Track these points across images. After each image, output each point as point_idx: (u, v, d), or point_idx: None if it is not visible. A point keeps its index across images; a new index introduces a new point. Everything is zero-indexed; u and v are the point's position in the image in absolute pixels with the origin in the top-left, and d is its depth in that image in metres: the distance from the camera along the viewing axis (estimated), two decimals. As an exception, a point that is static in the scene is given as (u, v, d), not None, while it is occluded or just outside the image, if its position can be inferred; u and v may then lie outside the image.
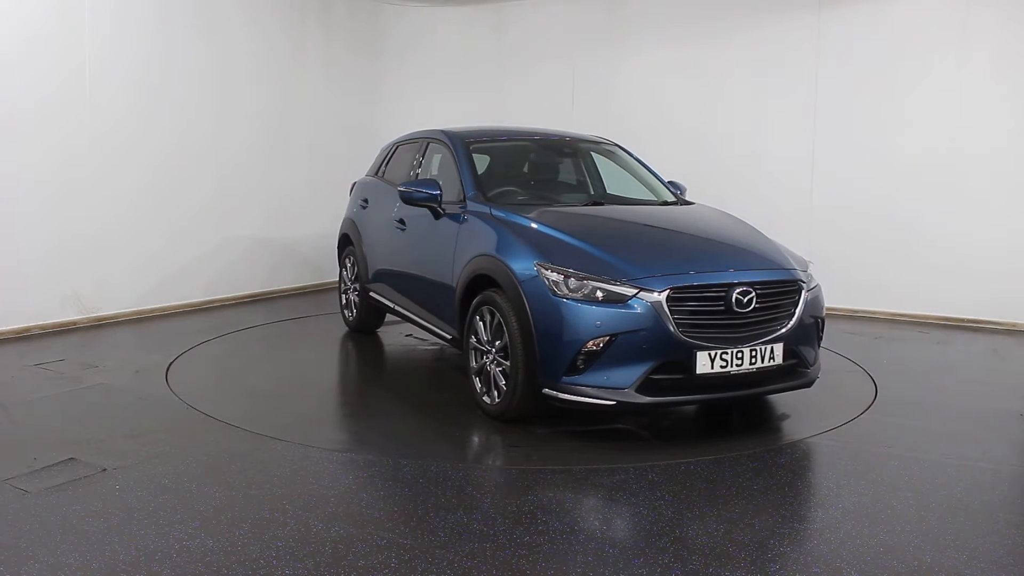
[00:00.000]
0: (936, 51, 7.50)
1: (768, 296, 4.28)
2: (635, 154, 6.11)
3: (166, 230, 7.46)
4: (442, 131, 5.85)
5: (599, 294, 4.07)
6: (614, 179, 6.06)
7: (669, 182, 5.83)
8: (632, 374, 4.02)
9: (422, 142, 6.12)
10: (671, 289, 4.06)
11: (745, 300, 4.15)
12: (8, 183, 6.28)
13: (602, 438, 4.40)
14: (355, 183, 7.19)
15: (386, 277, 6.16)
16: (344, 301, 7.02)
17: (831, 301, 8.01)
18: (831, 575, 2.88)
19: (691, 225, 4.98)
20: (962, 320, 7.51)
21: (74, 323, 6.77)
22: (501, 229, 4.65)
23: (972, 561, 2.99)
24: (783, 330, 4.29)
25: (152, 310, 7.36)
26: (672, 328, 4.02)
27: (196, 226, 7.74)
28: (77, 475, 3.68)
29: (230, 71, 8.00)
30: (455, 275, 4.89)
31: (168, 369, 5.53)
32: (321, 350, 6.46)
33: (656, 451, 4.19)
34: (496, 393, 4.44)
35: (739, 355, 4.13)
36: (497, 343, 4.41)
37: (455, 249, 4.96)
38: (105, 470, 3.74)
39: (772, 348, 4.22)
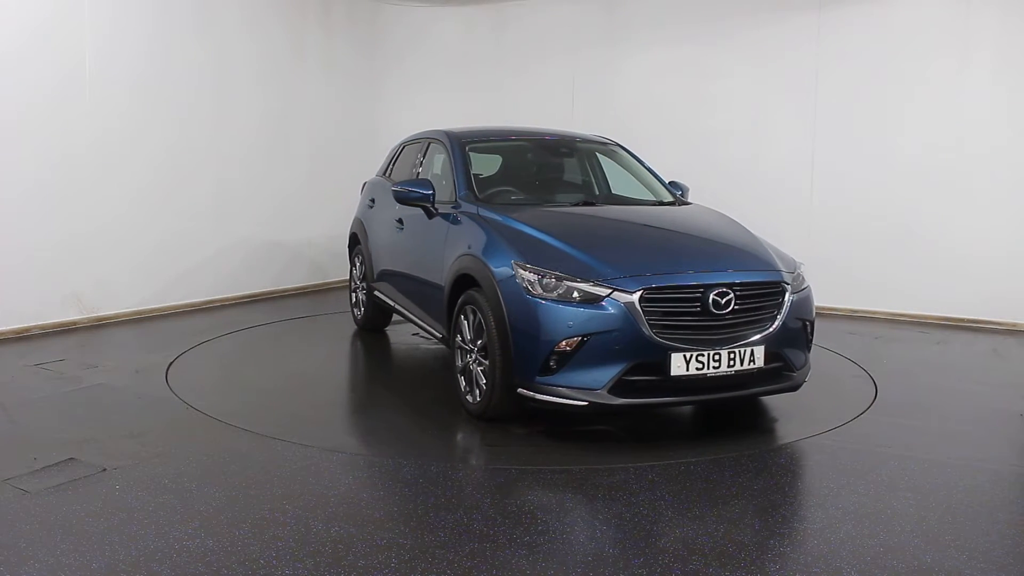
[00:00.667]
0: (936, 51, 7.50)
1: (749, 298, 4.22)
2: (636, 154, 6.11)
3: (166, 230, 7.46)
4: (443, 131, 5.88)
5: (573, 294, 4.06)
6: (614, 179, 6.06)
7: (670, 182, 5.83)
8: (605, 375, 3.99)
9: (424, 142, 6.16)
10: (644, 290, 4.03)
11: (723, 301, 4.10)
12: (8, 183, 6.28)
13: (602, 438, 4.40)
14: (365, 183, 7.25)
15: (388, 276, 6.21)
16: (353, 300, 7.10)
17: (831, 301, 8.09)
18: (831, 575, 2.88)
19: (679, 226, 4.95)
20: (962, 320, 7.51)
21: (74, 323, 6.77)
22: (486, 229, 4.66)
23: (972, 561, 2.99)
24: (765, 332, 4.22)
25: (152, 310, 7.36)
26: (645, 329, 3.99)
27: (196, 226, 7.74)
28: (77, 475, 3.68)
29: (230, 71, 8.00)
30: (444, 274, 4.92)
31: (168, 369, 5.53)
32: (322, 350, 6.45)
33: (656, 451, 4.18)
34: (478, 392, 4.46)
35: (716, 357, 4.06)
36: (479, 342, 4.43)
37: (444, 248, 4.99)
38: (105, 470, 3.74)
39: (753, 351, 4.15)
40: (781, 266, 4.50)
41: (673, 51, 8.65)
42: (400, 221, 5.89)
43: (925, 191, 7.60)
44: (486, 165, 5.77)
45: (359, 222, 6.94)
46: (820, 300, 7.99)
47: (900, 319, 7.71)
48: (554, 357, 4.02)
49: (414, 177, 5.93)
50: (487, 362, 4.32)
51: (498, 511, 3.38)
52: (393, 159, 6.82)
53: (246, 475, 3.72)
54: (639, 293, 4.02)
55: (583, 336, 3.99)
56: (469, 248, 4.67)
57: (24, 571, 2.83)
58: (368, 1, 9.69)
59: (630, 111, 8.69)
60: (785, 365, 4.37)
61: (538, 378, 4.08)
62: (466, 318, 4.56)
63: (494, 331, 4.24)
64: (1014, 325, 7.31)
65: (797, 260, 4.76)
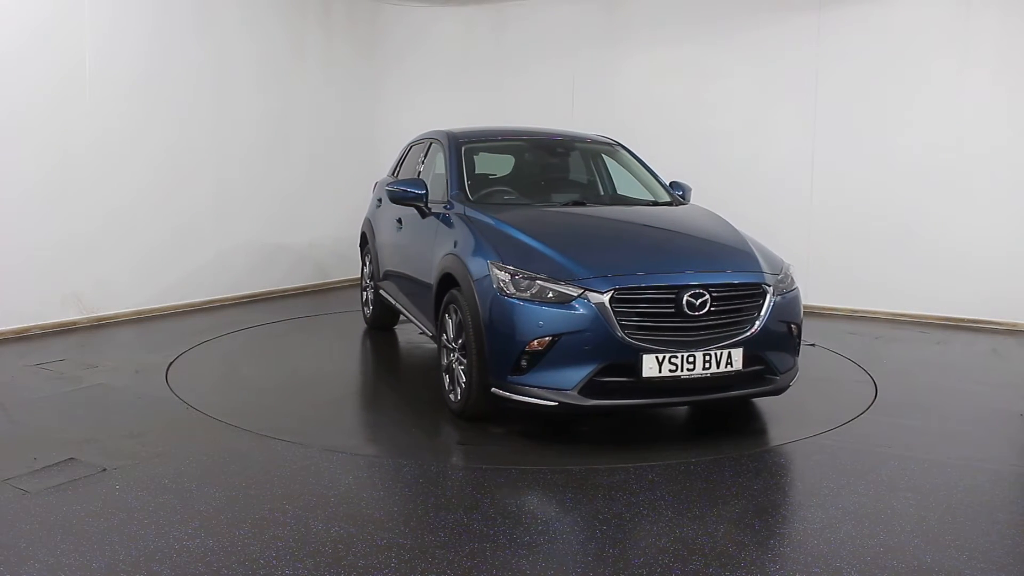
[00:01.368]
0: (936, 51, 7.50)
1: (727, 299, 4.16)
2: (636, 154, 6.11)
3: (166, 230, 7.46)
4: (444, 131, 5.90)
5: (546, 294, 4.05)
6: (614, 178, 6.06)
7: (672, 182, 5.81)
8: (575, 376, 3.97)
9: (428, 142, 6.20)
10: (615, 290, 4.00)
11: (698, 303, 4.04)
12: (9, 183, 6.28)
13: (602, 438, 4.40)
14: (376, 182, 7.29)
15: (391, 275, 6.27)
16: (363, 299, 7.17)
17: (831, 301, 8.10)
18: (831, 575, 2.88)
19: (664, 226, 4.92)
20: (962, 320, 7.51)
21: (74, 323, 6.77)
22: (470, 229, 4.68)
23: (972, 561, 2.99)
24: (745, 335, 4.16)
25: (152, 310, 7.36)
26: (616, 330, 3.95)
27: (196, 225, 7.75)
28: (77, 475, 3.68)
29: (230, 70, 8.00)
30: (432, 273, 4.95)
31: (168, 369, 5.53)
32: (322, 350, 6.45)
33: (656, 451, 4.18)
34: (459, 391, 4.48)
35: (691, 359, 4.01)
36: (459, 341, 4.45)
37: (433, 248, 5.02)
38: (105, 470, 3.74)
39: (730, 353, 4.09)
40: (766, 268, 4.41)
41: (673, 51, 8.65)
42: (400, 221, 5.96)
43: (925, 191, 7.60)
44: (484, 165, 5.79)
45: (368, 222, 7.05)
46: (820, 300, 8.09)
47: (900, 319, 7.71)
48: (525, 356, 4.01)
49: (415, 177, 5.96)
50: (467, 361, 4.35)
51: (498, 511, 3.38)
52: (401, 159, 6.88)
53: (246, 475, 3.72)
54: (610, 293, 3.99)
55: (553, 336, 3.97)
56: (453, 248, 4.70)
57: (24, 571, 2.83)
58: (368, 1, 9.69)
59: (630, 111, 8.69)
60: (768, 368, 4.29)
61: (510, 377, 4.08)
62: (450, 317, 4.59)
63: (471, 330, 4.26)
64: (1014, 325, 7.31)
65: (786, 261, 4.68)
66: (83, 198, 6.76)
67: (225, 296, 8.06)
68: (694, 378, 4.05)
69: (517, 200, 5.31)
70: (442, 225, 5.02)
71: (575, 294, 4.01)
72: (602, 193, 5.79)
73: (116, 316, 7.07)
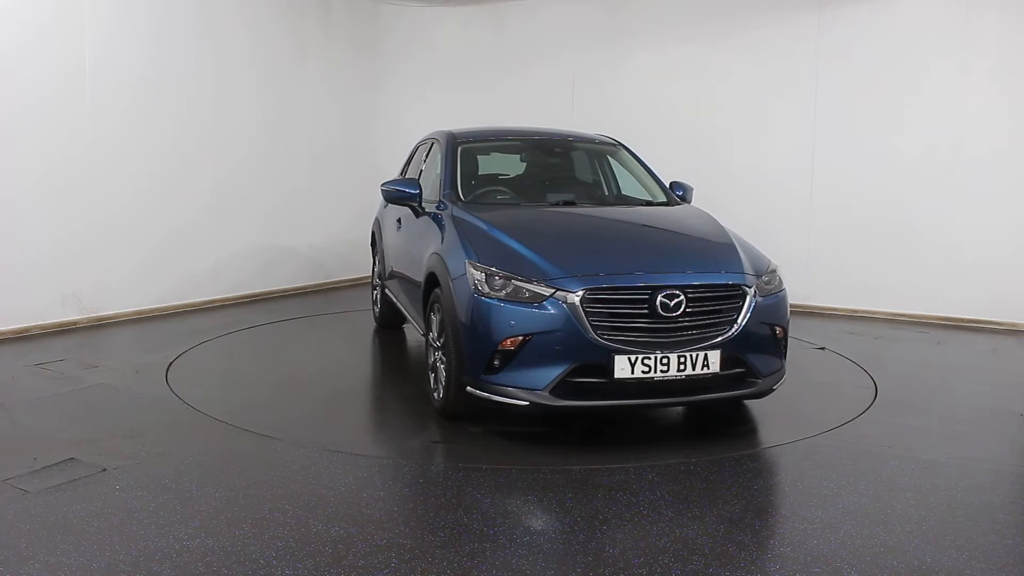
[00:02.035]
0: (936, 51, 7.51)
1: (703, 300, 4.11)
2: (636, 154, 6.11)
3: (166, 230, 7.47)
4: (446, 131, 5.92)
5: (520, 294, 4.04)
6: (613, 178, 6.06)
7: (673, 182, 5.80)
8: (547, 375, 3.96)
9: (431, 142, 6.22)
10: (586, 290, 3.98)
11: (672, 304, 4.00)
12: (8, 183, 6.28)
13: (602, 439, 4.40)
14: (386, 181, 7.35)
15: (393, 274, 6.31)
16: (373, 297, 7.26)
17: (831, 301, 8.10)
18: (831, 575, 2.88)
19: (650, 227, 4.90)
20: (962, 320, 7.51)
21: (74, 323, 6.77)
22: (455, 228, 4.69)
23: (972, 561, 2.99)
24: (723, 337, 4.10)
25: (152, 310, 7.36)
26: (587, 330, 3.94)
27: (196, 226, 7.75)
28: (77, 475, 3.67)
29: (229, 71, 8.00)
30: (421, 272, 4.98)
31: (168, 369, 5.53)
32: (322, 350, 6.46)
33: (656, 451, 4.18)
34: (441, 389, 4.49)
35: (664, 361, 3.97)
36: (442, 339, 4.46)
37: (423, 247, 5.05)
38: (105, 470, 3.74)
39: (707, 355, 4.04)
40: (749, 269, 4.35)
41: (673, 51, 8.65)
42: (399, 221, 5.99)
43: (925, 191, 7.61)
44: (482, 165, 5.81)
45: (376, 221, 7.13)
46: (820, 300, 8.09)
47: (900, 319, 7.71)
48: (498, 356, 4.01)
49: (413, 177, 5.99)
50: (446, 359, 4.37)
51: (498, 511, 3.38)
52: (409, 158, 6.91)
53: (246, 475, 3.72)
54: (581, 293, 3.97)
55: (525, 335, 3.97)
56: (438, 247, 4.72)
57: (24, 571, 2.83)
58: (368, 1, 9.69)
59: (630, 111, 8.70)
60: (749, 371, 4.23)
61: (483, 376, 4.08)
62: (434, 316, 4.62)
63: (449, 329, 4.28)
64: (1014, 325, 7.31)
65: (774, 263, 4.61)
66: (83, 198, 6.76)
67: (225, 296, 8.06)
68: (668, 380, 4.00)
69: (510, 200, 5.32)
70: (433, 225, 5.04)
71: (547, 294, 4.00)
72: (597, 193, 5.77)
73: (116, 316, 7.07)
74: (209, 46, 7.76)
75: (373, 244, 7.26)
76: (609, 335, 3.97)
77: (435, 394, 4.61)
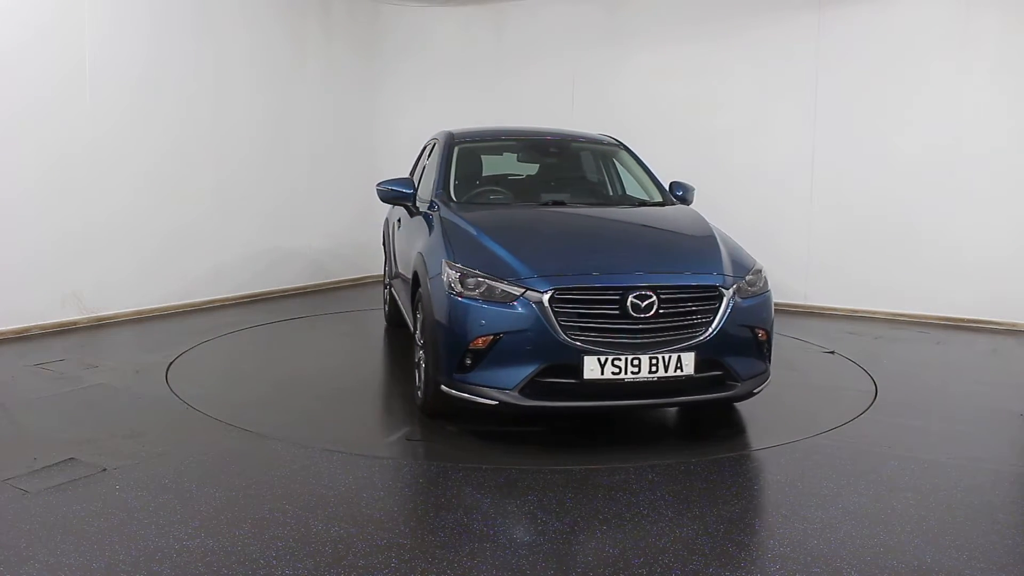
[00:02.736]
0: (936, 51, 7.51)
1: (677, 301, 4.05)
2: (636, 153, 6.10)
3: (166, 230, 7.47)
4: (447, 131, 5.93)
5: (491, 293, 4.04)
6: (611, 178, 6.05)
7: (673, 183, 5.78)
8: (517, 375, 3.95)
9: (433, 142, 6.23)
10: (555, 290, 3.95)
11: (643, 304, 3.95)
12: (9, 183, 6.28)
13: (601, 439, 4.40)
14: None
15: (395, 273, 6.36)
16: (384, 296, 7.33)
17: (831, 301, 8.10)
18: (831, 575, 2.88)
19: (633, 227, 4.88)
20: (962, 320, 7.51)
21: (74, 323, 6.77)
22: (440, 228, 4.70)
23: (972, 561, 2.99)
24: (698, 339, 4.03)
25: (152, 310, 7.36)
26: (556, 330, 3.91)
27: (196, 225, 7.75)
28: (77, 475, 3.67)
29: (229, 70, 8.00)
30: (409, 271, 5.01)
31: (168, 369, 5.53)
32: (322, 350, 6.46)
33: (656, 451, 4.18)
34: (423, 387, 4.52)
35: (635, 362, 3.92)
36: (423, 339, 4.49)
37: (413, 246, 5.08)
38: (105, 470, 3.74)
39: (680, 357, 3.98)
40: (728, 270, 4.26)
41: (673, 51, 8.65)
42: (399, 221, 6.01)
43: (925, 191, 7.61)
44: (479, 164, 5.83)
45: (386, 221, 7.16)
46: (820, 300, 8.09)
47: (900, 319, 7.71)
48: (469, 355, 4.00)
49: (408, 176, 6.04)
50: (425, 358, 4.40)
51: (498, 511, 3.38)
52: (418, 158, 6.93)
53: (246, 475, 3.72)
54: (549, 293, 3.95)
55: (495, 335, 3.96)
56: (422, 246, 4.75)
57: (24, 571, 2.83)
58: (368, 1, 9.69)
59: (630, 111, 8.70)
60: (727, 374, 4.16)
61: (455, 375, 4.08)
62: (419, 315, 4.64)
63: (427, 327, 4.30)
64: (1014, 325, 7.31)
65: (759, 264, 4.52)
66: (83, 198, 6.76)
67: (225, 296, 8.06)
68: (640, 382, 3.95)
69: (502, 200, 5.33)
70: (423, 224, 5.06)
71: (518, 293, 3.99)
72: (592, 194, 5.74)
73: (116, 316, 7.07)
74: (209, 46, 7.76)
75: (384, 243, 7.30)
76: (579, 335, 3.94)
77: (418, 392, 4.64)
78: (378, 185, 5.53)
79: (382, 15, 9.86)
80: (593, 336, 3.95)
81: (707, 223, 4.91)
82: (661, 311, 3.99)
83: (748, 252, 4.62)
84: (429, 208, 5.12)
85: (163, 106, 7.36)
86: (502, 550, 3.03)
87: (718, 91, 8.43)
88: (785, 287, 8.23)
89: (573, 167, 5.99)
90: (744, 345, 4.22)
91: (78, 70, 6.67)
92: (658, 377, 3.97)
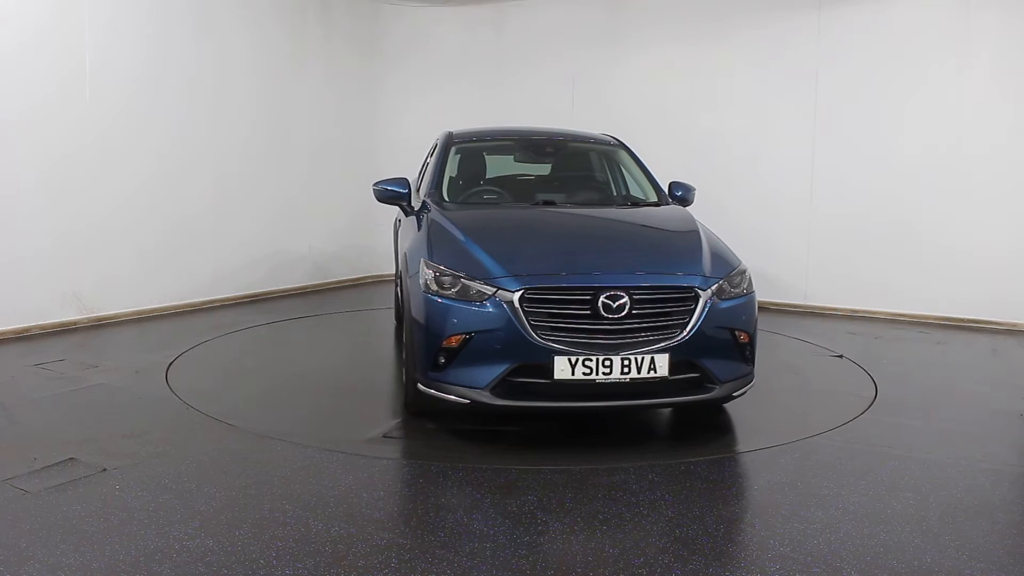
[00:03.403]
0: (936, 51, 7.51)
1: (650, 302, 4.01)
2: (635, 153, 6.10)
3: (166, 230, 7.47)
4: (448, 131, 5.94)
5: (464, 292, 4.05)
6: (609, 178, 6.05)
7: (673, 183, 5.77)
8: (488, 374, 3.95)
9: (436, 142, 6.23)
10: (525, 289, 3.94)
11: (615, 305, 3.92)
12: (8, 182, 6.28)
13: (601, 439, 4.40)
14: None
15: (397, 272, 6.33)
16: (395, 294, 7.34)
17: (831, 301, 8.10)
18: (831, 575, 2.88)
19: (614, 227, 4.88)
20: (962, 320, 7.51)
21: (74, 323, 6.77)
22: (425, 228, 4.73)
23: (972, 561, 2.99)
24: (672, 340, 3.98)
25: (152, 310, 7.36)
26: (527, 329, 3.91)
27: (196, 225, 7.75)
28: (77, 475, 3.67)
29: (229, 70, 8.00)
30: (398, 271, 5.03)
31: (168, 369, 5.53)
32: (322, 350, 6.45)
33: (656, 451, 4.19)
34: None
35: (607, 363, 3.88)
36: (404, 338, 4.54)
37: (403, 246, 5.13)
38: (105, 470, 3.74)
39: (654, 359, 3.93)
40: (706, 271, 4.20)
41: (673, 51, 8.65)
42: (399, 220, 6.02)
43: (925, 191, 7.61)
44: (477, 164, 5.85)
45: (396, 220, 7.16)
46: (820, 300, 8.09)
47: (900, 319, 7.71)
48: (442, 353, 4.02)
49: (402, 176, 6.05)
50: (405, 356, 4.45)
51: (498, 511, 3.38)
52: (426, 158, 6.92)
53: (246, 475, 3.72)
54: (519, 293, 3.95)
55: (467, 334, 3.97)
56: (408, 246, 4.78)
57: (24, 571, 2.83)
58: (368, 1, 9.69)
59: (630, 111, 8.70)
60: (705, 376, 4.10)
61: (430, 373, 4.10)
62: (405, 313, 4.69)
63: (407, 326, 4.34)
64: (1014, 325, 7.31)
65: (743, 265, 4.44)
66: (83, 198, 6.76)
67: (225, 296, 8.06)
68: (611, 383, 3.92)
69: (493, 200, 5.34)
70: (415, 223, 5.08)
71: (489, 293, 4.00)
72: (585, 194, 5.69)
73: (116, 316, 7.07)
74: (208, 46, 7.76)
75: (394, 242, 7.34)
76: (550, 335, 3.92)
77: (404, 390, 4.69)
78: (374, 185, 5.54)
79: (382, 15, 9.86)
80: (564, 336, 3.93)
81: (694, 223, 4.86)
82: (634, 312, 3.96)
83: (734, 253, 4.55)
84: (421, 208, 5.14)
85: (163, 106, 7.36)
86: (502, 550, 3.03)
87: (718, 91, 8.43)
88: (785, 287, 8.24)
89: (571, 167, 5.99)
90: (723, 347, 4.15)
91: (78, 70, 6.67)
92: (630, 378, 3.93)
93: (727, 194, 8.17)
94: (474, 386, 3.98)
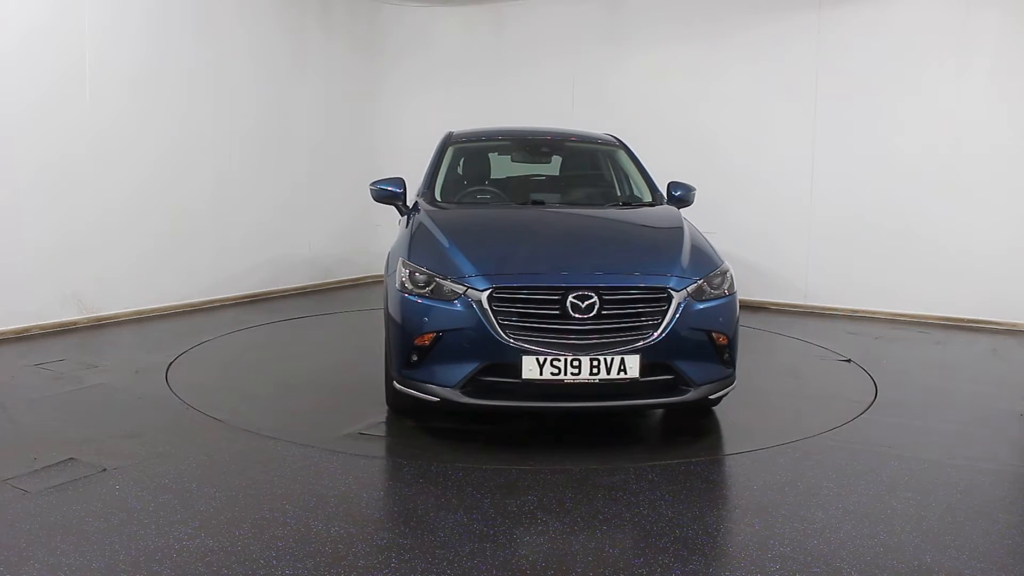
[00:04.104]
0: (936, 52, 7.51)
1: (621, 303, 3.96)
2: (634, 153, 6.10)
3: (165, 230, 7.47)
4: (450, 131, 5.95)
5: (437, 291, 4.07)
6: (607, 178, 6.04)
7: (672, 183, 5.75)
8: (458, 373, 3.96)
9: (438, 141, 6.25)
10: (493, 288, 3.94)
11: (584, 305, 3.90)
12: (8, 182, 6.28)
13: (602, 439, 4.40)
14: None
15: None
16: None
17: (831, 301, 8.10)
18: (831, 575, 2.88)
19: (595, 227, 4.86)
20: (962, 320, 7.51)
21: (74, 323, 6.77)
22: (410, 227, 4.76)
23: (972, 561, 2.99)
24: (644, 342, 3.92)
25: (152, 310, 7.36)
26: (495, 329, 3.90)
27: (195, 225, 7.75)
28: (77, 475, 3.67)
29: (229, 70, 8.00)
30: None
31: (168, 369, 5.53)
32: (322, 349, 6.45)
33: (656, 451, 4.19)
34: None
35: (575, 363, 3.85)
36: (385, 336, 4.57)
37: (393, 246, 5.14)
38: (105, 470, 3.74)
39: (624, 360, 3.88)
40: (682, 272, 4.13)
41: (673, 51, 8.65)
42: (399, 221, 6.01)
43: (925, 191, 7.61)
44: (475, 164, 5.86)
45: (399, 221, 7.15)
46: (820, 300, 8.09)
47: (900, 319, 7.71)
48: (415, 352, 4.05)
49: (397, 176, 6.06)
50: (385, 355, 4.48)
51: (498, 511, 3.38)
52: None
53: (246, 475, 3.72)
54: (488, 292, 3.95)
55: (437, 332, 3.99)
56: (394, 246, 4.80)
57: (24, 571, 2.83)
58: (368, 1, 9.69)
59: (630, 111, 8.70)
60: (679, 379, 4.03)
61: (404, 371, 4.13)
62: None
63: (386, 325, 4.38)
64: (1014, 325, 7.31)
65: (724, 266, 4.36)
66: (83, 198, 6.77)
67: (225, 296, 8.06)
68: (580, 383, 3.88)
69: (483, 200, 5.35)
70: (405, 223, 5.10)
71: (460, 292, 4.01)
72: (579, 194, 5.65)
73: (116, 316, 7.07)
74: (208, 45, 7.76)
75: None
76: (519, 335, 3.91)
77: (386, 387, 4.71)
78: (371, 185, 5.54)
79: (382, 14, 9.86)
80: (534, 336, 3.92)
81: (680, 223, 4.78)
82: (604, 312, 3.93)
83: (717, 253, 4.48)
84: (412, 208, 5.15)
85: (162, 105, 7.36)
86: (502, 550, 3.03)
87: (718, 91, 8.43)
88: (785, 287, 8.24)
89: (567, 167, 5.98)
90: (699, 349, 4.09)
91: (77, 69, 6.67)
92: (599, 379, 3.89)
93: (727, 194, 8.18)
94: (445, 384, 4.00)
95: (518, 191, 5.61)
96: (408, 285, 4.16)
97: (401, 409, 4.60)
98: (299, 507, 3.37)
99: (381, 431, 4.46)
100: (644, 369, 3.93)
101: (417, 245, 4.44)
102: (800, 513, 3.42)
